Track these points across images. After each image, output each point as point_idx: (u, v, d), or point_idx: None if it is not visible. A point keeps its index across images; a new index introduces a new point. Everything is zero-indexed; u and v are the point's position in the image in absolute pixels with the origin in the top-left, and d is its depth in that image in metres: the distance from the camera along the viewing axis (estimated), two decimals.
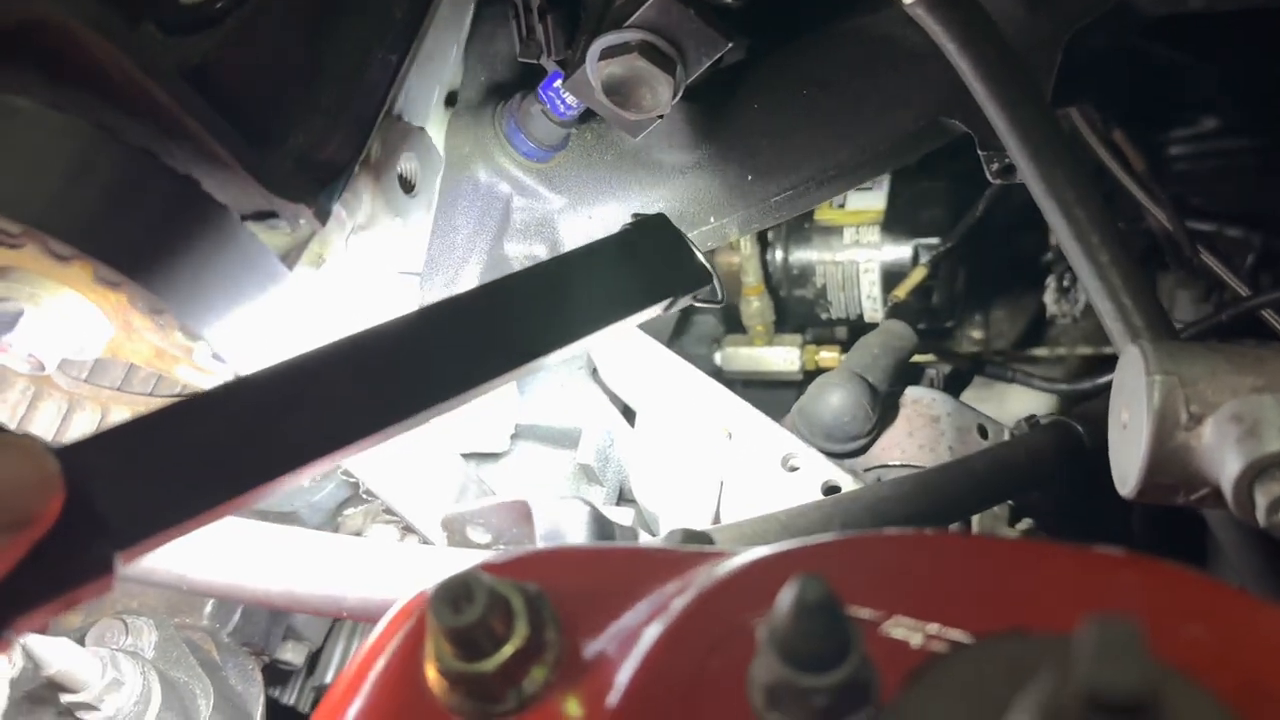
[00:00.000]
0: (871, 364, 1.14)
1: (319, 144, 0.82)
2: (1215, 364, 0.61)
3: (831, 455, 1.09)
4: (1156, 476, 0.61)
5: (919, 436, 1.10)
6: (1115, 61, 1.25)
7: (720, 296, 0.77)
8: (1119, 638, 0.26)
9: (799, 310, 1.51)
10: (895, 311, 1.43)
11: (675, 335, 1.54)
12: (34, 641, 0.85)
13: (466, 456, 1.18)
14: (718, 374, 1.52)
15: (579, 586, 0.47)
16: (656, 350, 1.24)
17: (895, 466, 1.10)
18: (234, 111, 0.75)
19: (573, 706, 0.43)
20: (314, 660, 1.23)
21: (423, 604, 0.48)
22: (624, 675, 0.42)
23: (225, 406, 0.51)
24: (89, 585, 0.44)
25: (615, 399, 1.30)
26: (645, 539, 0.87)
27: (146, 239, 0.73)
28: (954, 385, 1.41)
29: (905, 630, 0.40)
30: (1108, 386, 0.69)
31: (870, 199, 1.45)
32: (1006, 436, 1.11)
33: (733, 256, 1.50)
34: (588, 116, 1.10)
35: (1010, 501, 1.03)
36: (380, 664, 0.47)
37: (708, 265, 0.74)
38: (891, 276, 1.43)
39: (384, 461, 1.00)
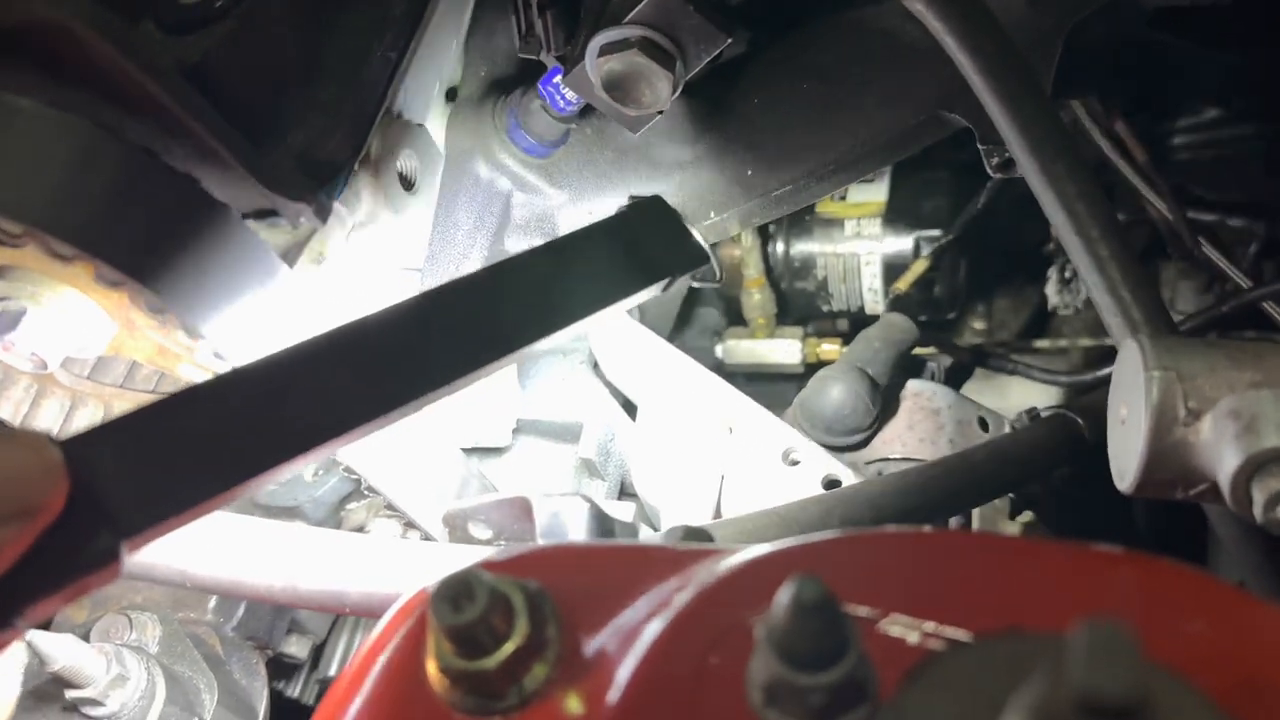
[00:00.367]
0: (872, 357, 1.14)
1: (319, 141, 0.82)
2: (1213, 359, 0.61)
3: (832, 449, 1.09)
4: (1155, 472, 0.61)
5: (920, 430, 1.11)
6: (1116, 53, 1.24)
7: (719, 276, 0.77)
8: (1110, 640, 0.26)
9: (800, 303, 1.52)
10: (897, 304, 1.43)
11: (677, 328, 1.54)
12: (39, 637, 0.86)
13: (468, 451, 1.19)
14: (719, 367, 1.52)
15: (580, 584, 0.48)
16: (657, 344, 1.24)
17: (896, 460, 1.10)
18: (233, 109, 0.75)
19: (574, 703, 0.43)
20: (318, 653, 1.23)
21: (424, 601, 0.48)
22: (624, 672, 0.42)
23: (226, 395, 0.52)
24: (96, 575, 0.44)
25: (616, 393, 1.30)
26: (646, 534, 0.87)
27: (147, 238, 0.73)
28: (955, 378, 1.41)
29: (902, 628, 0.40)
30: (1109, 378, 0.69)
31: (871, 191, 1.45)
32: (1007, 429, 1.11)
33: (734, 249, 1.50)
34: (588, 111, 1.10)
35: (1011, 494, 1.04)
36: (382, 661, 0.47)
37: (704, 245, 0.74)
38: (893, 268, 1.43)
39: (386, 457, 1.00)
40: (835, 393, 1.10)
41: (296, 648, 1.19)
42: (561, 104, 1.05)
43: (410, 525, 1.06)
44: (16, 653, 0.44)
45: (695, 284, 0.75)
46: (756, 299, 1.50)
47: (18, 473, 0.42)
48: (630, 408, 1.26)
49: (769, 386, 1.52)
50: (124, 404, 0.96)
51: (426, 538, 1.05)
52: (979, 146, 0.97)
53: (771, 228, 1.47)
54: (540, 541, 0.80)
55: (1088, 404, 0.94)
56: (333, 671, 1.23)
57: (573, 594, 0.46)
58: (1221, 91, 1.37)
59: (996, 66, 0.77)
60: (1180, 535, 1.12)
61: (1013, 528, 1.06)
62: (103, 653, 0.89)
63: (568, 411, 1.25)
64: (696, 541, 0.70)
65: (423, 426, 1.03)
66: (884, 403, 1.11)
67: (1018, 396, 1.41)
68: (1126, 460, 0.63)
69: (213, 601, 1.09)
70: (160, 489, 0.47)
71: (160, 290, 0.73)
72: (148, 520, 0.46)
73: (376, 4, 0.87)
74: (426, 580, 0.48)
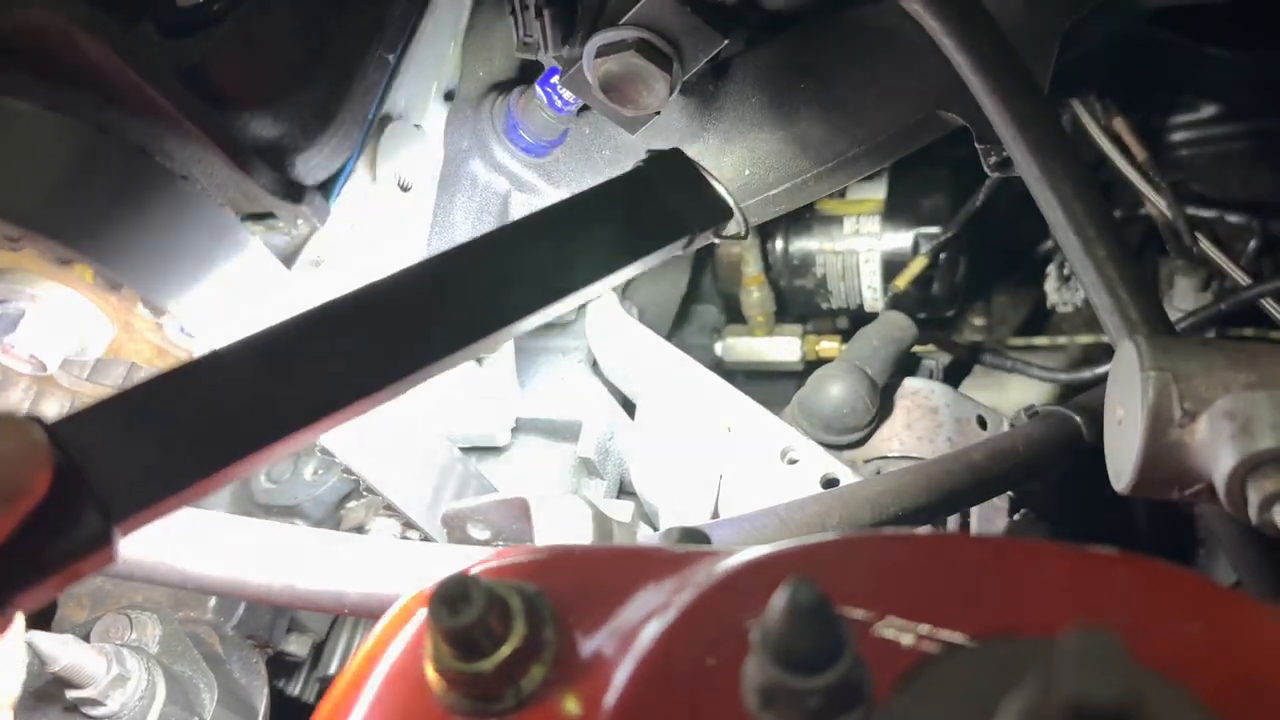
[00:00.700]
0: (871, 356, 1.14)
1: (317, 143, 0.82)
2: (1210, 360, 0.61)
3: (830, 447, 1.09)
4: (1150, 472, 0.61)
5: (918, 428, 1.11)
6: (1115, 49, 1.24)
7: (744, 231, 0.73)
8: (1101, 646, 0.27)
9: (799, 300, 1.52)
10: (895, 301, 1.43)
11: (675, 327, 1.54)
12: (40, 638, 0.86)
13: (467, 451, 1.19)
14: (718, 365, 1.52)
15: (577, 586, 0.48)
16: (656, 343, 1.24)
17: (894, 458, 1.10)
18: (231, 112, 0.75)
19: (571, 705, 0.43)
20: (318, 651, 1.24)
21: (422, 602, 0.48)
22: (622, 674, 0.42)
23: (217, 373, 0.50)
24: (88, 559, 0.43)
25: (615, 392, 1.30)
26: (644, 534, 0.87)
27: (146, 241, 0.73)
28: (953, 375, 1.41)
29: (897, 631, 0.41)
30: (1108, 375, 0.69)
31: (870, 188, 1.45)
32: (1005, 427, 1.11)
33: (733, 246, 1.50)
34: (586, 111, 1.09)
35: (1010, 493, 1.04)
36: (380, 664, 0.48)
37: (728, 198, 0.70)
38: (892, 266, 1.43)
39: (384, 457, 1.00)
40: (834, 391, 1.10)
41: (296, 646, 1.20)
42: (559, 104, 1.05)
43: (409, 525, 1.06)
44: (17, 653, 0.43)
45: (720, 239, 0.71)
46: (755, 297, 1.50)
47: None
48: (629, 406, 1.26)
49: (768, 384, 1.52)
50: None
51: (426, 538, 1.05)
52: (976, 145, 0.97)
53: (770, 226, 1.47)
54: (538, 543, 0.80)
55: (1086, 402, 0.94)
56: (333, 670, 1.23)
57: (570, 596, 0.46)
58: (1220, 89, 1.37)
59: (993, 66, 0.77)
60: (1178, 535, 1.13)
61: (1010, 526, 1.06)
62: (103, 653, 0.89)
63: (566, 410, 1.25)
64: (693, 543, 0.70)
65: (422, 425, 1.04)
66: (882, 401, 1.12)
67: (1016, 394, 1.41)
68: (1123, 460, 0.63)
69: (212, 601, 1.09)
70: (152, 470, 0.46)
71: (159, 293, 0.73)
72: (140, 502, 0.45)
73: (374, 6, 0.87)
74: (425, 581, 0.48)
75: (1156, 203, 1.26)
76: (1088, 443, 0.92)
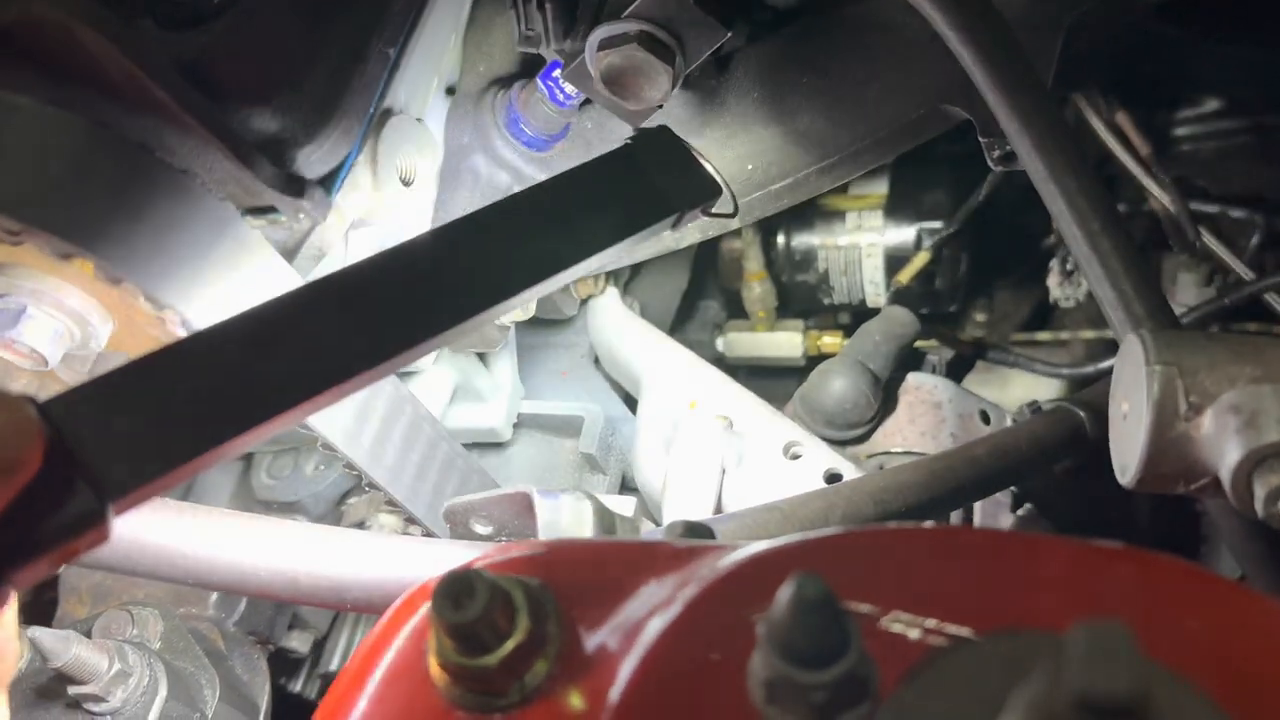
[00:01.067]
0: (873, 351, 1.14)
1: (317, 138, 0.82)
2: (1215, 354, 0.61)
3: (833, 442, 1.09)
4: (1156, 467, 0.61)
5: (920, 423, 1.11)
6: (1119, 43, 1.24)
7: (733, 209, 0.72)
8: (1109, 640, 0.26)
9: (801, 296, 1.51)
10: (898, 297, 1.42)
11: (677, 322, 1.54)
12: (42, 634, 0.86)
13: (469, 447, 1.19)
14: (720, 360, 1.52)
15: (581, 580, 0.48)
16: (658, 338, 1.24)
17: (897, 454, 1.10)
18: (231, 106, 0.75)
19: (575, 699, 0.43)
20: (320, 648, 1.24)
21: (425, 596, 0.48)
22: (626, 668, 0.42)
23: (212, 349, 0.50)
24: (82, 537, 0.42)
25: (617, 387, 1.30)
26: (647, 529, 0.87)
27: (147, 235, 0.73)
28: (956, 370, 1.41)
29: (903, 625, 0.40)
30: (1111, 370, 0.68)
31: (872, 183, 1.45)
32: (1009, 422, 1.11)
33: (734, 242, 1.49)
34: (587, 105, 1.09)
35: (1013, 488, 1.04)
36: (383, 658, 0.47)
37: (716, 176, 0.70)
38: (894, 261, 1.42)
39: (386, 453, 1.00)
40: (836, 386, 1.10)
41: (298, 643, 1.20)
42: (561, 97, 1.05)
43: (411, 521, 1.06)
44: (11, 630, 0.43)
45: (710, 216, 0.71)
46: (757, 292, 1.50)
47: None
48: (631, 402, 1.26)
49: (770, 380, 1.52)
50: None
51: (427, 534, 1.05)
52: (980, 139, 0.97)
53: (772, 221, 1.46)
54: (541, 537, 0.80)
55: (1089, 398, 0.94)
56: (334, 666, 1.23)
57: (574, 590, 0.46)
58: (1223, 84, 1.37)
59: (997, 59, 0.77)
60: (1179, 532, 1.13)
61: (1013, 522, 1.06)
62: (105, 649, 0.89)
63: (568, 406, 1.25)
64: (697, 537, 0.70)
65: (424, 421, 1.03)
66: (885, 396, 1.11)
67: (1019, 389, 1.41)
68: (1128, 455, 0.63)
69: (214, 597, 1.09)
70: (147, 447, 0.45)
71: (160, 287, 0.73)
72: (135, 480, 0.44)
73: None
74: (427, 576, 0.48)
75: (1159, 198, 1.25)
76: (1091, 438, 0.92)
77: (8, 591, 0.41)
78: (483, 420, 1.21)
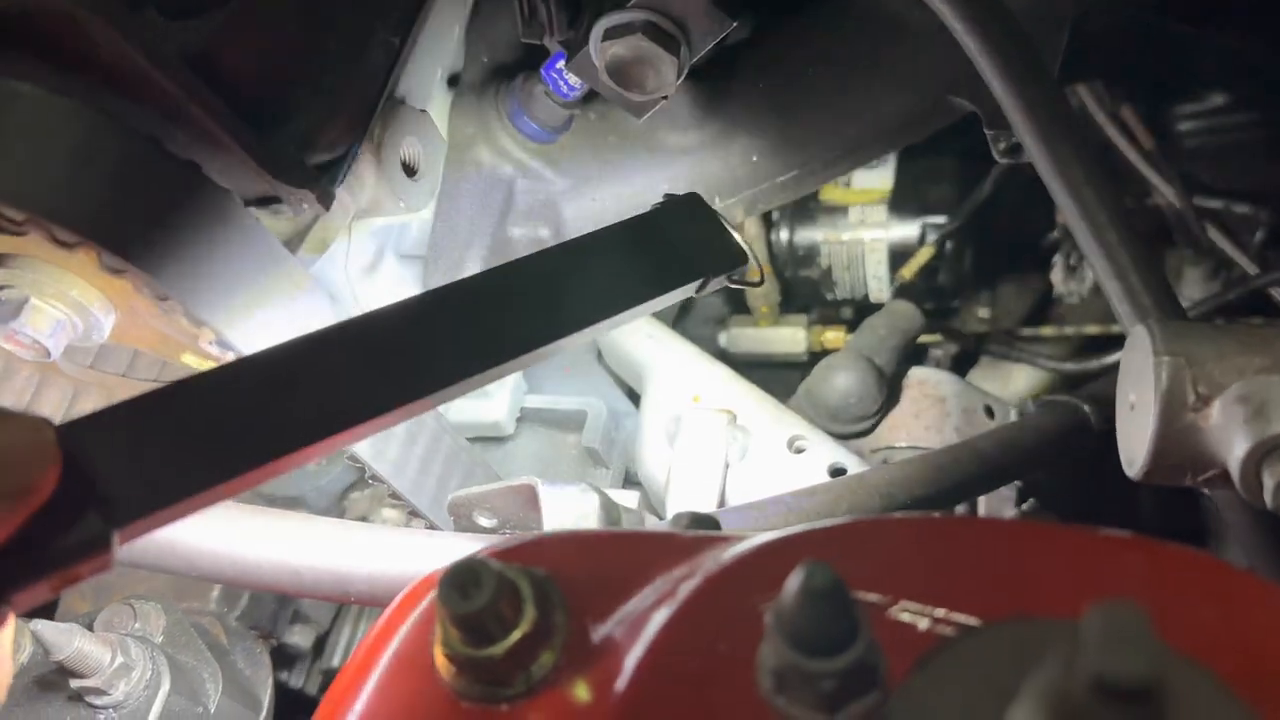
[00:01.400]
0: (878, 345, 1.14)
1: (321, 128, 0.82)
2: (1223, 344, 0.60)
3: (837, 437, 1.09)
4: (1164, 458, 0.61)
5: (925, 417, 1.10)
6: (1124, 37, 1.24)
7: (760, 278, 0.74)
8: (1125, 623, 0.26)
9: (804, 290, 1.51)
10: (902, 291, 1.42)
11: (680, 316, 1.53)
12: (44, 627, 0.86)
13: (472, 440, 1.19)
14: (723, 355, 1.52)
15: (587, 571, 0.47)
16: (661, 332, 1.23)
17: (902, 448, 1.10)
18: (236, 96, 0.75)
19: (581, 690, 0.43)
20: (321, 643, 1.24)
21: (430, 587, 0.48)
22: (632, 659, 0.42)
23: (230, 385, 0.51)
24: (86, 562, 0.43)
25: (620, 381, 1.30)
26: (651, 522, 0.87)
27: (150, 225, 0.73)
28: (960, 365, 1.41)
29: (912, 614, 0.40)
30: (1115, 366, 0.68)
31: (876, 177, 1.44)
32: (1013, 417, 1.11)
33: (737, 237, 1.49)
34: (591, 97, 1.09)
35: (1018, 482, 1.03)
36: (389, 649, 0.47)
37: (744, 245, 0.71)
38: (898, 256, 1.42)
39: (390, 447, 1.00)
40: (840, 380, 1.10)
41: (300, 637, 1.20)
42: (565, 89, 1.05)
43: (414, 514, 1.05)
44: (6, 651, 0.43)
45: (734, 285, 0.72)
46: (760, 287, 1.49)
47: (9, 451, 0.41)
48: (634, 396, 1.26)
49: (773, 375, 1.51)
50: (127, 392, 0.95)
51: (431, 528, 1.05)
52: (986, 131, 0.96)
53: (775, 215, 1.46)
54: (546, 529, 0.80)
55: (1094, 392, 0.94)
56: (336, 662, 1.23)
57: (580, 581, 0.46)
58: (1228, 78, 1.36)
59: (1003, 50, 0.77)
60: (1185, 525, 1.12)
61: (1017, 516, 1.06)
62: (107, 642, 0.89)
63: (571, 400, 1.24)
64: (703, 529, 0.70)
65: (427, 415, 1.03)
66: (889, 390, 1.11)
67: (1023, 384, 1.41)
68: (1135, 446, 0.63)
69: (216, 591, 1.09)
70: (157, 479, 0.46)
71: (163, 278, 0.72)
72: (142, 509, 0.45)
73: None
74: (432, 569, 0.48)
75: (1164, 192, 1.25)
76: (1096, 432, 0.92)
77: (7, 613, 0.41)
78: (486, 414, 1.21)
